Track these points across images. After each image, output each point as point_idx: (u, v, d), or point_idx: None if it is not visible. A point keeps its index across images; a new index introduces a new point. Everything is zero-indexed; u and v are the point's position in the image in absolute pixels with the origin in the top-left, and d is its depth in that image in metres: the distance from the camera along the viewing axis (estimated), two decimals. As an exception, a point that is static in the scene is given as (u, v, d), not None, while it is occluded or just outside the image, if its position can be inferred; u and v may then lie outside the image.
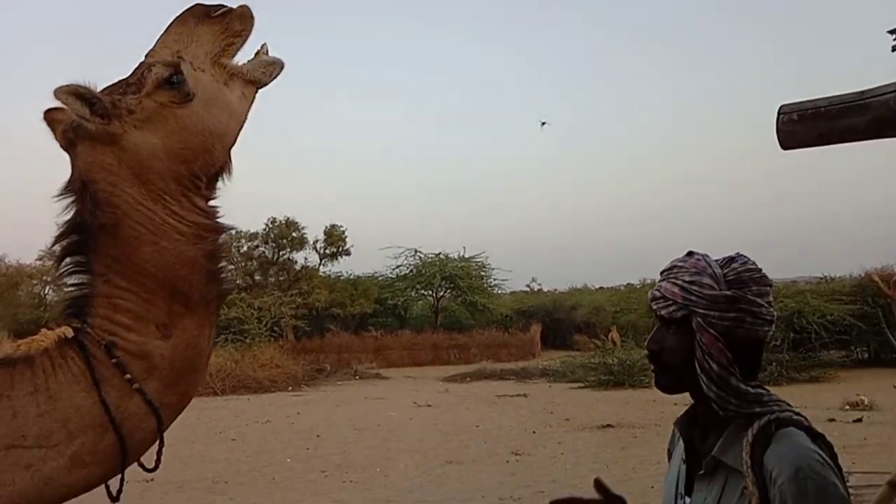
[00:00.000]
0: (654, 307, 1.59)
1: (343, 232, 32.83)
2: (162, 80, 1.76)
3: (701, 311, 1.52)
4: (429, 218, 53.38)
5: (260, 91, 1.95)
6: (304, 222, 32.15)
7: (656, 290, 1.59)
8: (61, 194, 1.80)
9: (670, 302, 1.55)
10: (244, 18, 1.89)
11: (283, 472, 10.05)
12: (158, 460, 1.92)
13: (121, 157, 1.74)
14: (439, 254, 32.66)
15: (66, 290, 1.81)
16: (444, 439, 12.32)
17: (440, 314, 32.84)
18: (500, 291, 35.15)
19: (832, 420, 12.53)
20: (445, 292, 32.85)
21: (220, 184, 1.88)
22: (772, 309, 1.58)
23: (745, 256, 1.62)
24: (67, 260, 1.80)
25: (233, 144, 1.86)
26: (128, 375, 1.71)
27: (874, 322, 18.95)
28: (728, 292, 1.53)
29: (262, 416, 15.71)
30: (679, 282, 1.55)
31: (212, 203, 1.86)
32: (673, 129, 61.90)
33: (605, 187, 59.73)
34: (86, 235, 1.77)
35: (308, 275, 31.70)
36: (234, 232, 1.93)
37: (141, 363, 1.74)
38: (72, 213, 1.78)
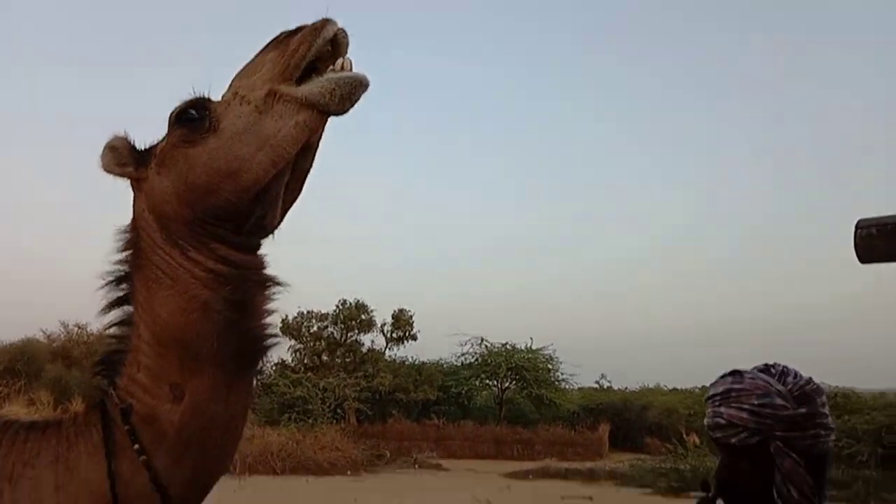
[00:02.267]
0: (719, 436, 1.48)
1: (410, 317, 33.06)
2: (174, 116, 1.62)
3: (780, 434, 1.43)
4: (497, 308, 53.14)
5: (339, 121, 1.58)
6: (374, 305, 32.64)
7: (718, 417, 1.48)
8: (119, 244, 1.70)
9: (740, 429, 1.45)
10: (313, 31, 1.54)
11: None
12: None
13: (145, 202, 1.65)
14: (506, 343, 32.35)
15: (107, 343, 1.68)
16: (502, 539, 11.84)
17: (504, 406, 32.20)
18: (567, 386, 34.31)
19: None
20: (511, 383, 32.30)
21: (257, 230, 1.62)
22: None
23: (785, 365, 1.53)
24: (116, 311, 1.67)
25: (257, 183, 1.52)
26: (137, 445, 1.53)
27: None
28: (803, 410, 1.46)
29: (320, 500, 15.52)
30: (746, 406, 1.46)
31: (241, 252, 1.60)
32: (753, 220, 60.35)
33: (679, 285, 58.39)
34: (131, 285, 1.65)
35: (374, 358, 31.86)
36: (283, 286, 1.66)
37: (150, 430, 1.55)
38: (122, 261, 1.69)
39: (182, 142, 1.57)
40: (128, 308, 1.66)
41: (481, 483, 20.23)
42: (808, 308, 57.89)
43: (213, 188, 1.53)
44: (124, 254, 1.68)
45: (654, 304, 59.80)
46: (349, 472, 21.49)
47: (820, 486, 1.46)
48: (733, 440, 1.46)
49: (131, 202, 1.71)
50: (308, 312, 32.46)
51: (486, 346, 32.56)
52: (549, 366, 32.62)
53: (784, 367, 1.53)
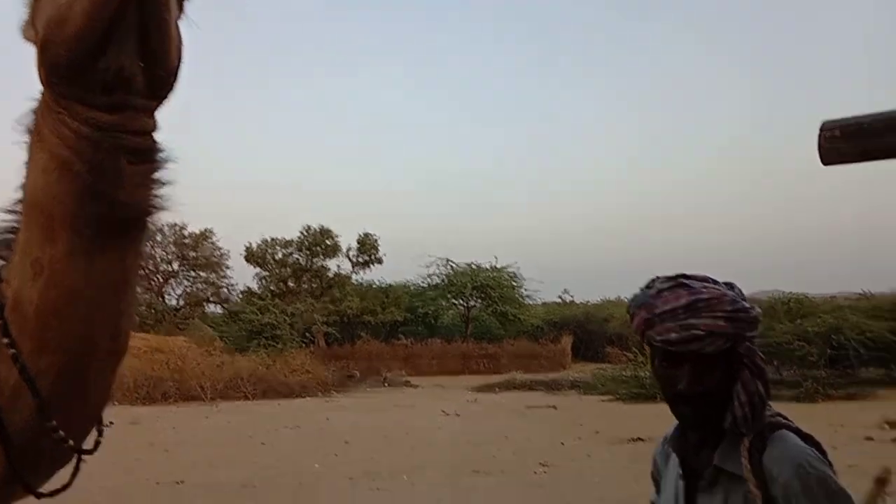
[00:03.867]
0: (694, 348, 1.47)
1: (376, 241, 33.08)
2: None
3: (748, 335, 1.50)
4: (461, 229, 53.38)
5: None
6: (338, 230, 32.52)
7: (693, 329, 1.47)
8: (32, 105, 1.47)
9: (718, 336, 1.47)
10: None
11: (311, 478, 10.10)
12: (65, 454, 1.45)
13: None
14: (471, 263, 32.70)
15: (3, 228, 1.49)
16: (471, 449, 12.27)
17: (470, 324, 32.82)
18: (531, 302, 35.04)
19: (870, 439, 12.22)
20: (476, 302, 32.83)
21: (115, 86, 1.32)
22: None
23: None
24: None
25: (81, 31, 1.26)
26: (6, 339, 1.35)
27: (916, 340, 18.44)
28: (760, 309, 1.53)
29: (291, 422, 15.81)
30: (721, 314, 1.48)
31: (105, 112, 1.33)
32: (718, 139, 60.89)
33: (640, 200, 59.10)
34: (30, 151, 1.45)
35: (340, 282, 31.99)
36: (164, 154, 1.41)
37: (17, 317, 1.37)
38: None
39: None
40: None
41: (450, 397, 20.80)
42: (765, 217, 59.35)
43: (47, 42, 1.31)
44: (32, 118, 1.46)
45: (617, 223, 60.68)
46: (320, 394, 21.87)
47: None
48: (709, 349, 1.47)
49: None
50: (272, 239, 32.27)
51: (451, 266, 32.88)
52: (514, 283, 33.19)
53: (704, 275, 1.57)
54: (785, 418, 1.55)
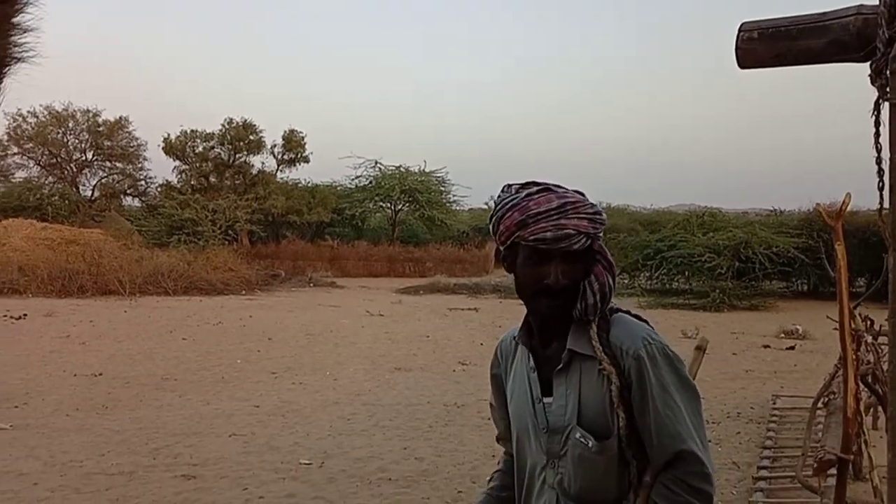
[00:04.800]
0: (563, 245, 1.63)
1: (302, 138, 32.25)
2: None
3: (601, 234, 1.69)
4: (390, 129, 52.54)
5: None
6: (263, 125, 31.46)
7: (565, 229, 1.62)
8: None
9: (583, 235, 1.64)
10: None
11: (233, 373, 10.17)
12: None
13: None
14: (399, 166, 32.40)
15: None
16: (394, 347, 12.55)
17: (398, 227, 32.87)
18: (458, 208, 35.25)
19: (767, 346, 13.09)
20: (404, 206, 32.78)
21: None
22: None
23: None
24: None
25: None
26: None
27: (816, 256, 19.61)
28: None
29: (213, 318, 15.73)
30: (584, 215, 1.65)
31: None
32: (636, 56, 61.10)
33: (571, 110, 59.25)
34: None
35: (265, 180, 31.22)
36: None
37: None
38: None
39: None
40: None
41: (374, 298, 21.05)
42: (682, 128, 60.59)
43: None
44: None
45: (541, 129, 60.85)
46: (244, 292, 21.73)
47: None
48: (576, 247, 1.63)
49: None
50: (192, 132, 30.94)
51: (379, 168, 32.51)
52: (441, 188, 33.19)
53: (556, 183, 1.75)
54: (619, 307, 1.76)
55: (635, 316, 1.74)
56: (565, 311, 1.67)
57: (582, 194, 1.71)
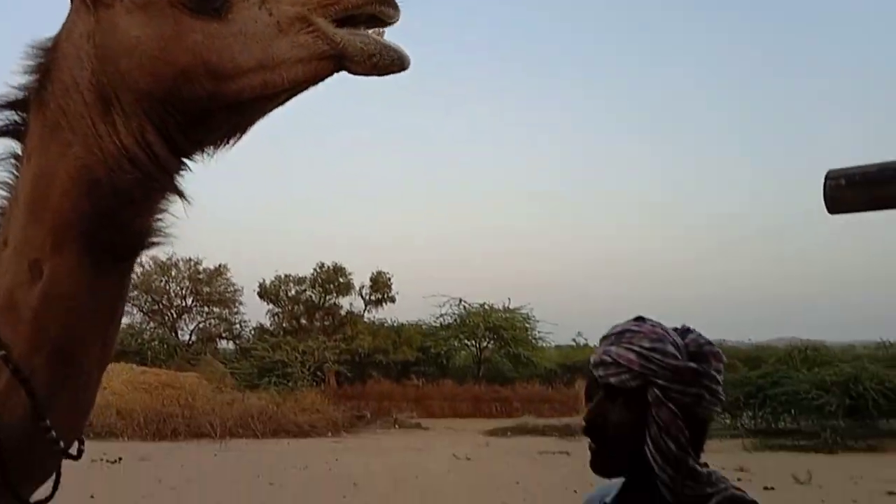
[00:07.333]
0: (600, 374, 1.44)
1: (388, 279, 33.11)
2: None
3: (661, 382, 1.40)
4: (475, 268, 53.35)
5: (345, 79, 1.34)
6: (351, 268, 32.61)
7: (605, 355, 1.43)
8: (30, 63, 1.41)
9: (624, 369, 1.42)
10: None
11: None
12: (61, 452, 1.41)
13: (96, 31, 1.34)
14: (483, 304, 32.57)
15: None
16: (483, 496, 12.07)
17: (483, 365, 32.55)
18: (544, 345, 34.72)
19: (892, 493, 11.90)
20: (489, 343, 32.61)
21: (199, 140, 1.40)
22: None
23: (697, 330, 1.52)
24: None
25: (237, 97, 1.31)
26: None
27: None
28: (692, 365, 1.43)
29: (300, 462, 15.66)
30: (636, 348, 1.42)
31: (168, 149, 1.36)
32: (731, 192, 61.01)
33: (655, 244, 58.95)
34: (26, 120, 1.41)
35: (352, 320, 31.96)
36: (186, 200, 1.43)
37: (8, 317, 1.34)
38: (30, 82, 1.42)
39: (183, 4, 1.30)
40: (14, 146, 1.42)
41: (461, 441, 20.54)
42: (782, 262, 59.00)
43: (191, 76, 1.30)
44: (31, 78, 1.40)
45: (633, 267, 60.54)
46: (330, 434, 21.68)
47: (697, 445, 1.44)
48: (612, 380, 1.41)
49: (70, 16, 1.39)
50: (286, 276, 32.41)
51: (464, 306, 32.76)
52: (527, 325, 32.93)
53: (698, 332, 1.51)
54: (740, 489, 1.44)
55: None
56: (612, 473, 1.46)
57: (686, 332, 1.49)
